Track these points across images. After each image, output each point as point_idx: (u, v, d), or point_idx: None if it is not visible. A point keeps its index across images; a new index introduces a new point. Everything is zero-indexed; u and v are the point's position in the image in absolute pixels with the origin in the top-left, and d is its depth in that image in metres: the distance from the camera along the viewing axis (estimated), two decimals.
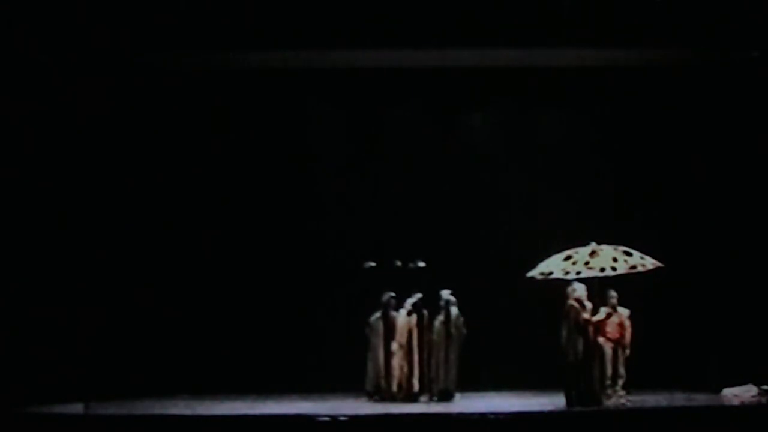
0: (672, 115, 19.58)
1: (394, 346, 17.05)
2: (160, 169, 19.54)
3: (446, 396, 17.01)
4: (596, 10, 18.31)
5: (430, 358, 17.07)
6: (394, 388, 17.01)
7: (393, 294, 17.29)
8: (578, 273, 15.78)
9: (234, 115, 19.91)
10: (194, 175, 19.76)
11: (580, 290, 15.85)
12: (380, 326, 17.25)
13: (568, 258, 15.94)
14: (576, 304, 15.77)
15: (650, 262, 15.97)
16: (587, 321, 15.75)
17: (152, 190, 19.44)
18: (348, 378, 17.55)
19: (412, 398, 16.95)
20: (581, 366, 15.63)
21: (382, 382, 17.11)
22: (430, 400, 16.99)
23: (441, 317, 17.15)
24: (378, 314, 17.30)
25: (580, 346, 15.66)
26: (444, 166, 19.96)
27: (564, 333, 15.70)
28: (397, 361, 17.04)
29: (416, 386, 17.02)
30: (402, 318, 17.17)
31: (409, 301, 17.20)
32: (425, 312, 17.14)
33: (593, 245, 15.99)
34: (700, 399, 16.76)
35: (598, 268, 15.65)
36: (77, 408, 15.93)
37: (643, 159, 19.71)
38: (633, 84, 19.59)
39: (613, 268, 15.68)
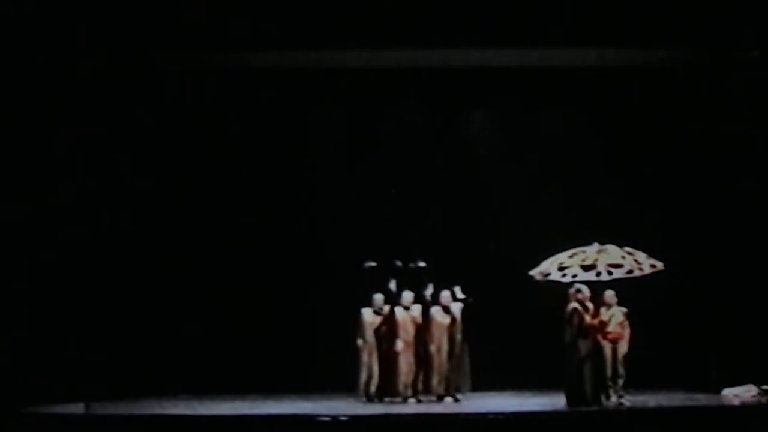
0: (672, 115, 19.58)
1: (399, 344, 17.02)
2: (160, 169, 19.56)
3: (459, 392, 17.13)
4: (596, 10, 18.32)
5: (453, 354, 17.05)
6: (400, 386, 16.98)
7: (381, 294, 17.28)
8: (574, 276, 15.78)
9: (233, 115, 19.91)
10: (194, 175, 19.78)
11: (582, 292, 15.84)
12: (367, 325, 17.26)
13: (572, 257, 15.94)
14: (579, 307, 15.75)
15: (651, 264, 15.96)
16: (591, 324, 15.74)
17: (151, 190, 19.44)
18: (348, 378, 17.52)
19: (419, 397, 16.95)
20: (583, 367, 15.62)
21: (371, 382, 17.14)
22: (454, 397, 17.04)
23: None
24: (367, 314, 17.28)
25: (584, 348, 15.64)
26: (444, 166, 19.97)
27: (568, 335, 15.68)
28: (404, 359, 17.00)
29: (435, 384, 16.99)
30: (404, 314, 17.10)
31: (408, 297, 17.16)
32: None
33: (596, 245, 16.00)
34: (700, 399, 16.76)
35: (594, 272, 15.66)
36: (77, 408, 15.93)
37: (642, 159, 19.70)
38: (633, 84, 19.59)
39: (609, 272, 15.68)
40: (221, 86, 19.73)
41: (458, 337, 17.11)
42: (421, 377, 17.00)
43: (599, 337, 15.95)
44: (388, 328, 17.09)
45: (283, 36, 18.39)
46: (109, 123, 18.90)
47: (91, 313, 18.15)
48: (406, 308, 17.10)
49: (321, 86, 19.89)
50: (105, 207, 18.73)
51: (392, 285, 17.23)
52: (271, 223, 19.80)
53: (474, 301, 17.16)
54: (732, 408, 16.08)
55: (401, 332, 17.01)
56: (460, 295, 17.16)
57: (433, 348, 16.95)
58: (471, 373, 17.51)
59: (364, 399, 17.12)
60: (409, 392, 16.94)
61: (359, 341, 17.25)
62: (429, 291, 17.11)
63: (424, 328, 17.00)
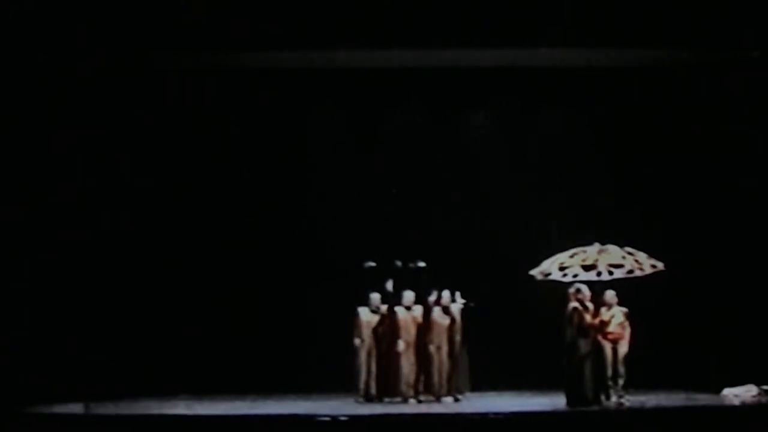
0: (672, 115, 19.58)
1: (401, 345, 16.96)
2: (160, 169, 19.56)
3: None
4: (596, 10, 18.32)
5: (453, 354, 17.03)
6: (403, 387, 16.93)
7: (378, 293, 17.26)
8: (575, 276, 15.78)
9: (233, 115, 19.91)
10: (194, 175, 19.78)
11: (582, 291, 15.82)
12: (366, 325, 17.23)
13: (572, 257, 15.93)
14: (579, 306, 15.74)
15: (652, 264, 15.95)
16: (591, 323, 15.73)
17: (151, 190, 19.44)
18: (348, 378, 17.51)
19: (419, 397, 16.91)
20: (584, 366, 15.62)
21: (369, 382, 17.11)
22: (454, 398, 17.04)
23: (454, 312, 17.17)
24: (364, 313, 17.25)
25: (584, 348, 15.64)
26: (444, 166, 19.98)
27: (568, 335, 15.66)
28: (406, 359, 16.93)
29: (437, 385, 16.96)
30: (405, 314, 17.02)
31: (409, 297, 17.10)
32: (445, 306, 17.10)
33: (597, 245, 15.99)
34: (700, 399, 16.76)
35: (595, 272, 15.65)
36: (77, 408, 15.93)
37: (643, 159, 19.70)
38: (633, 84, 19.59)
39: (610, 272, 15.68)
40: (221, 86, 19.73)
41: (457, 338, 17.11)
42: (422, 377, 16.97)
43: (599, 337, 15.95)
44: (387, 327, 17.06)
45: (283, 36, 18.38)
46: (109, 123, 18.90)
47: (91, 313, 18.14)
48: (408, 308, 17.05)
49: (321, 86, 19.88)
50: (105, 207, 18.73)
51: (389, 285, 17.22)
52: (271, 223, 19.80)
53: (474, 307, 17.17)
54: (732, 408, 16.08)
55: (403, 332, 16.95)
56: (461, 300, 17.16)
57: (432, 348, 16.93)
58: (470, 374, 17.51)
59: (362, 399, 17.11)
60: (411, 392, 16.91)
61: (356, 340, 17.22)
62: (433, 297, 17.06)
63: (425, 328, 16.96)
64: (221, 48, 18.71)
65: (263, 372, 18.79)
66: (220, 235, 19.59)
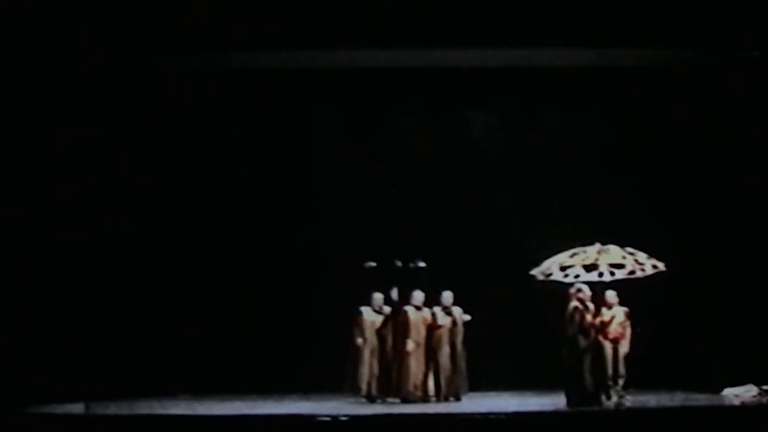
0: (672, 115, 19.58)
1: (410, 345, 16.92)
2: (160, 169, 19.56)
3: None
4: (596, 10, 18.33)
5: (454, 356, 17.04)
6: (410, 387, 16.90)
7: (381, 294, 17.24)
8: (576, 276, 15.78)
9: (233, 115, 19.92)
10: (194, 175, 19.79)
11: (583, 291, 15.81)
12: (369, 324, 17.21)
13: (573, 257, 15.93)
14: (580, 306, 15.73)
15: (653, 264, 15.95)
16: (592, 323, 15.73)
17: (151, 190, 19.45)
18: (348, 378, 17.50)
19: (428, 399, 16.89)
20: (583, 366, 15.62)
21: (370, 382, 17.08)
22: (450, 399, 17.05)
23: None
24: (367, 313, 17.24)
25: (583, 347, 15.63)
26: (444, 166, 19.98)
27: (568, 334, 15.66)
28: (414, 359, 16.89)
29: (440, 387, 16.97)
30: (415, 314, 16.94)
31: (419, 297, 17.05)
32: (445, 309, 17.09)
33: (598, 246, 15.99)
34: (700, 399, 16.76)
35: (596, 272, 15.65)
36: (77, 408, 15.93)
37: (643, 159, 19.70)
38: (633, 84, 19.59)
39: (611, 273, 15.68)
40: (221, 86, 19.74)
41: (458, 339, 17.11)
42: (429, 378, 16.95)
43: (600, 336, 15.95)
44: (391, 328, 17.04)
45: (283, 36, 18.40)
46: (109, 123, 18.89)
47: (91, 313, 18.14)
48: (418, 308, 17.00)
49: (321, 86, 19.89)
50: (105, 207, 18.72)
51: (394, 294, 17.18)
52: (271, 223, 19.80)
53: (474, 319, 17.20)
54: (732, 408, 16.08)
55: (413, 332, 16.88)
56: (465, 316, 17.16)
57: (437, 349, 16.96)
58: (468, 376, 17.46)
59: (364, 399, 17.10)
60: (419, 393, 16.87)
61: (359, 340, 17.21)
62: (441, 313, 17.04)
63: (434, 329, 16.93)
64: (221, 48, 18.74)
65: (263, 372, 18.79)
66: (220, 235, 19.59)
